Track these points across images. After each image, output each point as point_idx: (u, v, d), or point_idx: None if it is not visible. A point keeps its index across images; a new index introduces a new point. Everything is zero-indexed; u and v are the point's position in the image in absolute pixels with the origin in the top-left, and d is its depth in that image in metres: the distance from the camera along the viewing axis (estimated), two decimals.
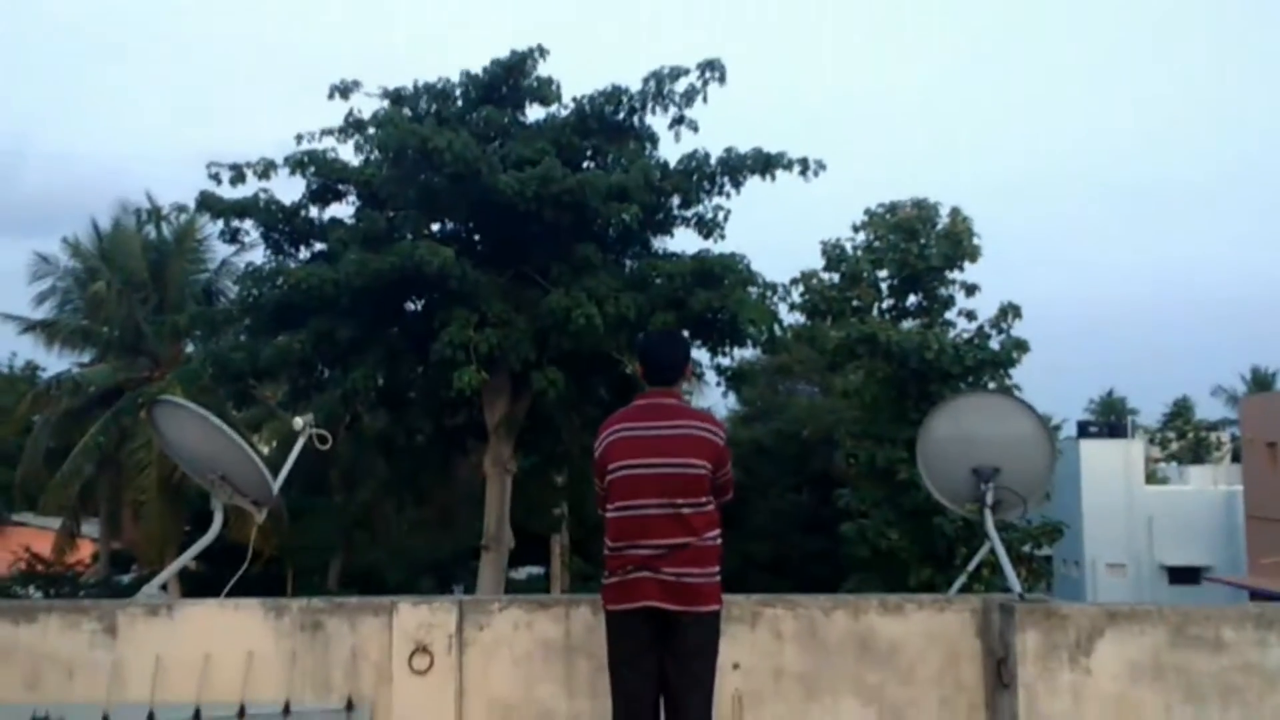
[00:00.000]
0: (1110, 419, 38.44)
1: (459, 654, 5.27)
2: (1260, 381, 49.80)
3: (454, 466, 20.84)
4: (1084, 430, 33.14)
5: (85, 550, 29.10)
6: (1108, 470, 28.18)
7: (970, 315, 24.19)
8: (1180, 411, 51.21)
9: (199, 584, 25.64)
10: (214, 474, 5.59)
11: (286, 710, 5.24)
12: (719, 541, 4.40)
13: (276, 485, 5.75)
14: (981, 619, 5.25)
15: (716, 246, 17.61)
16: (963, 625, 5.26)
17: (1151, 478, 34.11)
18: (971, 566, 6.04)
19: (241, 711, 5.23)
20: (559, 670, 5.30)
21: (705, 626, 4.32)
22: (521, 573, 32.14)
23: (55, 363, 26.56)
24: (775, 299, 17.72)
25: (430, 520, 27.29)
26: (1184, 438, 50.25)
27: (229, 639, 5.37)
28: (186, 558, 6.26)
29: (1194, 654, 4.83)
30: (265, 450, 26.06)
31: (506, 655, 5.33)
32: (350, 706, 5.26)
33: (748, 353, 22.38)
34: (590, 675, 5.23)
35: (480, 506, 18.39)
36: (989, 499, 5.31)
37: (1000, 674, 4.99)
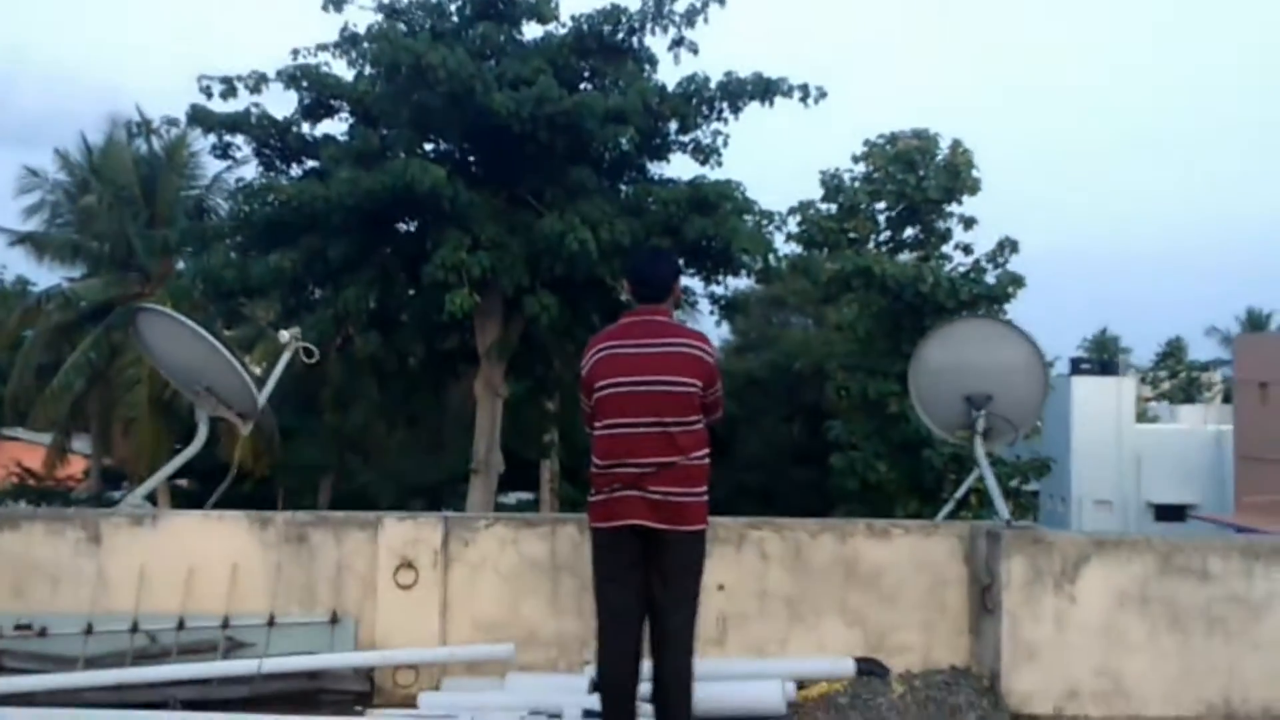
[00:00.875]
0: (1103, 357, 38.49)
1: (444, 570, 5.28)
2: (1255, 322, 49.79)
3: (445, 390, 20.78)
4: (1076, 367, 33.13)
5: (77, 466, 29.16)
6: (1099, 407, 28.19)
7: (967, 249, 24.13)
8: (1173, 351, 51.23)
9: (190, 501, 25.71)
10: (199, 385, 5.53)
11: (271, 622, 5.25)
12: (707, 461, 4.36)
13: (262, 397, 5.70)
14: (968, 545, 5.26)
15: (713, 173, 17.41)
16: (949, 551, 5.26)
17: (1142, 417, 34.21)
18: (961, 493, 6.04)
19: (226, 623, 5.24)
20: (544, 588, 5.31)
21: (691, 545, 4.30)
22: (511, 497, 32.29)
23: (46, 277, 26.40)
24: (771, 228, 17.57)
25: (422, 443, 27.32)
26: (1175, 377, 50.31)
27: (214, 551, 5.36)
28: (171, 468, 6.24)
29: (1180, 584, 4.84)
30: (257, 370, 26.00)
31: (492, 572, 5.33)
32: (335, 619, 5.27)
33: (742, 282, 22.28)
34: (576, 594, 5.24)
35: (471, 431, 18.38)
36: (980, 426, 5.29)
37: (985, 600, 5.01)
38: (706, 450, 4.37)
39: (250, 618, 5.25)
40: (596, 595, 4.37)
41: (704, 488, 4.35)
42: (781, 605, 5.26)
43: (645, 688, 4.30)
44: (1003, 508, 5.14)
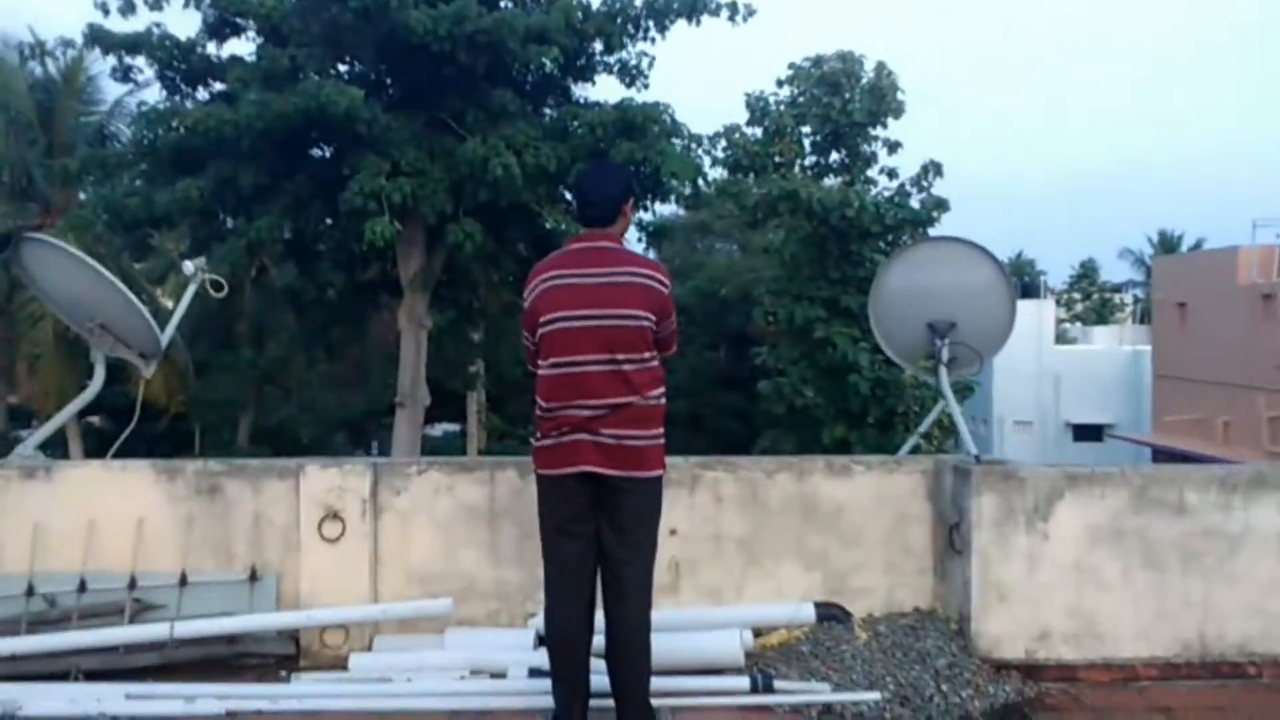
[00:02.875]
0: (1023, 279, 38.80)
1: (374, 520, 4.83)
2: (1167, 244, 50.69)
3: (367, 322, 20.10)
4: None
5: None
6: (1019, 330, 28.20)
7: (892, 174, 23.84)
8: (1086, 273, 51.94)
9: (102, 440, 24.76)
10: (92, 322, 4.95)
11: (183, 581, 4.77)
12: (663, 401, 3.95)
13: (165, 336, 5.14)
14: (932, 481, 4.95)
15: (640, 96, 16.83)
16: (912, 488, 4.95)
17: (1059, 339, 34.62)
18: (924, 427, 5.74)
19: (132, 583, 4.74)
20: (483, 537, 4.90)
21: (647, 492, 3.90)
22: (438, 429, 31.75)
23: None
24: (700, 152, 17.08)
25: (344, 376, 26.62)
26: (1089, 299, 51.09)
27: (117, 504, 4.85)
28: (66, 414, 5.67)
29: (1155, 518, 4.58)
30: (168, 304, 24.91)
31: (425, 521, 4.90)
32: (254, 576, 4.81)
33: (668, 208, 21.82)
34: (517, 542, 4.84)
35: (396, 363, 17.79)
36: (944, 355, 4.95)
37: (953, 539, 4.71)
38: (663, 389, 3.97)
39: (160, 577, 4.76)
40: (544, 548, 3.96)
41: (660, 430, 3.96)
42: (736, 548, 4.92)
43: (598, 641, 3.93)
44: (969, 442, 4.82)
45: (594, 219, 4.00)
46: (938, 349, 4.93)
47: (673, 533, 4.83)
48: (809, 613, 4.77)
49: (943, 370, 4.93)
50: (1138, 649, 4.55)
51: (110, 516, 4.82)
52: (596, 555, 3.91)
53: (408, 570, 4.86)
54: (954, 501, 4.71)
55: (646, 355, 3.90)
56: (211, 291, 5.49)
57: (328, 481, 4.79)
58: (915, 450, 5.43)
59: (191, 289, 5.43)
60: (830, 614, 4.81)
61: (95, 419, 27.53)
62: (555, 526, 3.91)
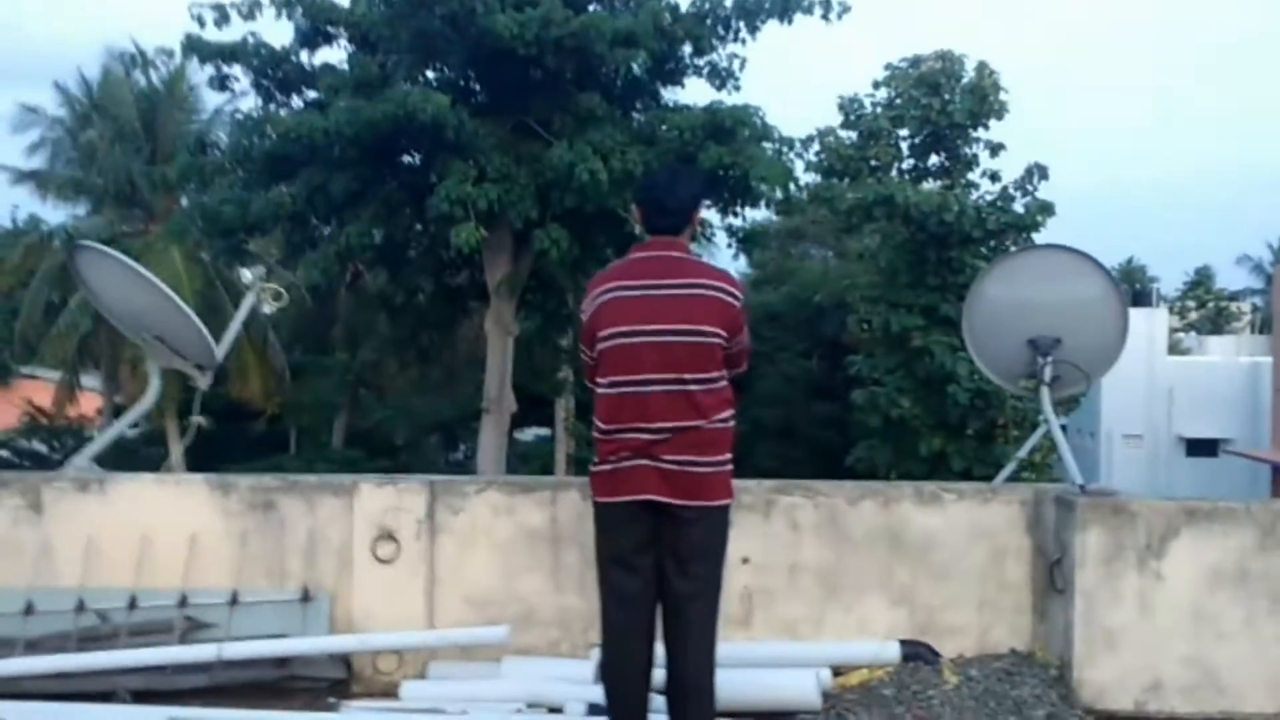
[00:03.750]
0: (1135, 287, 37.32)
1: (430, 541, 4.58)
2: None
3: (457, 326, 20.10)
4: None
5: (90, 404, 28.69)
6: (1130, 339, 26.90)
7: (994, 176, 23.10)
8: (1201, 280, 49.73)
9: (203, 442, 25.22)
10: (148, 334, 4.81)
11: (234, 600, 4.58)
12: (731, 424, 3.63)
13: (222, 348, 4.98)
14: (1032, 512, 4.52)
15: (730, 99, 16.49)
16: (1010, 519, 4.53)
17: (1173, 348, 33.06)
18: (1024, 452, 5.26)
19: (183, 601, 4.57)
20: (544, 561, 4.62)
21: (712, 522, 3.58)
22: (528, 434, 31.76)
23: (54, 215, 25.61)
24: (791, 156, 16.66)
25: (435, 379, 26.75)
26: (1204, 307, 48.86)
27: (170, 519, 4.68)
28: (121, 426, 5.55)
29: None
30: (267, 310, 25.27)
31: (484, 543, 4.64)
32: (307, 597, 4.60)
33: (759, 213, 21.39)
34: (579, 568, 4.55)
35: (483, 368, 17.72)
36: (1047, 375, 4.52)
37: (1054, 577, 4.28)
38: (731, 411, 3.64)
39: (211, 595, 4.58)
40: (601, 582, 3.66)
41: (728, 455, 3.63)
42: (815, 581, 4.56)
43: (659, 675, 3.62)
44: (1075, 470, 4.39)
45: (662, 226, 3.70)
46: (1040, 368, 4.51)
47: (745, 561, 4.50)
48: (893, 651, 4.39)
49: (1045, 391, 4.51)
50: (1262, 703, 4.08)
51: (163, 531, 4.66)
52: (657, 589, 3.60)
53: (465, 594, 4.61)
54: (1056, 535, 4.29)
55: (714, 375, 3.58)
56: (269, 303, 5.31)
57: (383, 500, 4.56)
58: (1015, 476, 4.99)
59: (250, 298, 5.27)
60: (917, 654, 4.42)
61: (200, 419, 28.10)
62: (613, 557, 3.61)
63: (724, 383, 3.63)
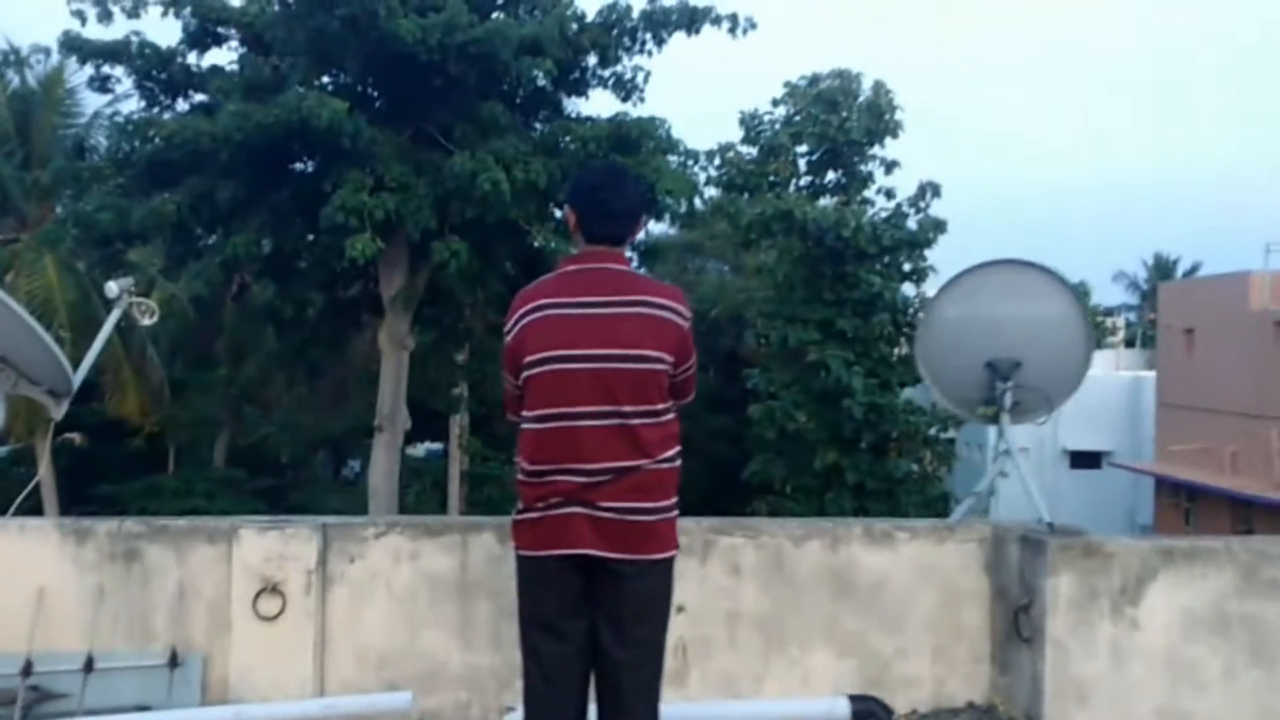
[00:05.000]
0: None
1: (321, 594, 3.95)
2: (1162, 268, 49.93)
3: (348, 341, 19.16)
4: None
5: None
6: None
7: (889, 193, 23.10)
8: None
9: (78, 461, 23.70)
10: None
11: (89, 666, 3.87)
12: (678, 463, 3.10)
13: (80, 373, 4.26)
14: (990, 552, 4.09)
15: (635, 111, 16.01)
16: (965, 559, 4.10)
17: None
18: (982, 486, 4.79)
19: (28, 668, 3.85)
20: (451, 614, 4.03)
21: (656, 579, 3.05)
22: (420, 449, 30.77)
23: None
24: (695, 169, 16.26)
25: (325, 395, 25.66)
26: None
27: (13, 571, 3.98)
28: None
29: (1267, 603, 3.73)
30: (147, 322, 23.87)
31: (383, 594, 4.03)
32: (175, 660, 3.92)
33: (659, 227, 21.01)
34: (492, 620, 3.98)
35: (376, 383, 16.86)
36: (1007, 401, 4.10)
37: (1019, 624, 3.85)
38: (678, 448, 3.12)
39: (61, 660, 3.87)
40: (523, 647, 3.10)
41: (674, 499, 3.11)
42: (757, 630, 4.06)
43: None
44: (1043, 507, 3.96)
45: (602, 235, 3.14)
46: (999, 393, 4.08)
47: (680, 610, 3.96)
48: (843, 709, 3.88)
49: (1005, 419, 4.09)
50: None
51: (5, 585, 3.93)
52: (590, 657, 3.05)
53: (361, 653, 3.98)
54: (1022, 579, 3.86)
55: (659, 406, 3.05)
56: (145, 317, 4.60)
57: (266, 548, 3.91)
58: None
59: (115, 313, 4.55)
60: (868, 710, 3.92)
61: (75, 436, 26.50)
62: (539, 622, 3.05)
63: (670, 415, 3.12)
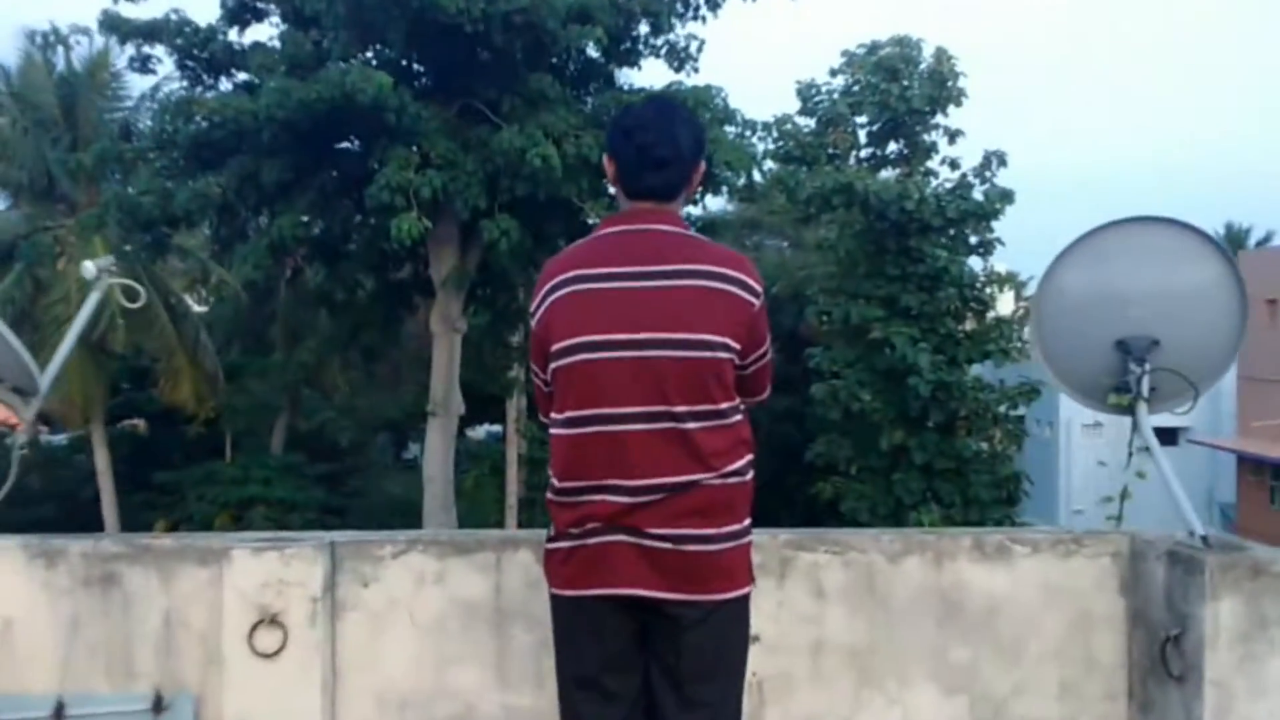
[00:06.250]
0: None
1: (330, 624, 3.34)
2: (1234, 238, 48.02)
3: (401, 324, 18.73)
4: None
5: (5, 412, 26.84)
6: None
7: (953, 164, 22.06)
8: None
9: (138, 448, 23.59)
10: None
11: (60, 711, 3.30)
12: (749, 477, 2.44)
13: (51, 371, 3.67)
14: (1127, 568, 3.37)
15: (689, 81, 15.29)
16: (1098, 577, 3.38)
17: None
18: (1121, 494, 4.05)
19: None
20: (485, 646, 3.39)
21: (726, 624, 2.41)
22: (480, 431, 30.40)
23: None
24: (754, 140, 15.51)
25: (383, 378, 25.34)
26: None
27: None
28: None
29: None
30: (202, 310, 23.72)
31: (404, 624, 3.40)
32: (160, 704, 3.33)
33: (717, 202, 20.28)
34: (533, 654, 3.34)
35: (429, 367, 16.38)
36: (1145, 388, 3.36)
37: (1167, 659, 3.12)
38: (749, 458, 2.45)
39: (29, 704, 3.31)
40: (562, 708, 2.46)
41: (746, 522, 2.45)
42: (846, 663, 3.38)
43: None
44: (1193, 516, 3.23)
45: (652, 188, 2.47)
46: (1134, 378, 3.34)
47: (755, 639, 3.29)
48: None
49: (1143, 409, 3.35)
50: None
51: None
52: (645, 717, 2.41)
53: (379, 693, 3.37)
54: (1170, 603, 3.14)
55: (722, 406, 2.38)
56: (124, 301, 4.02)
57: (264, 571, 3.30)
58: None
59: (95, 296, 3.96)
60: None
61: (138, 423, 26.42)
62: (580, 677, 2.41)
63: (737, 417, 2.45)
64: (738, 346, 2.40)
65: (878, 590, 3.38)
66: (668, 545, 2.32)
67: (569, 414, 2.38)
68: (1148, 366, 3.35)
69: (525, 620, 3.35)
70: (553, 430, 2.45)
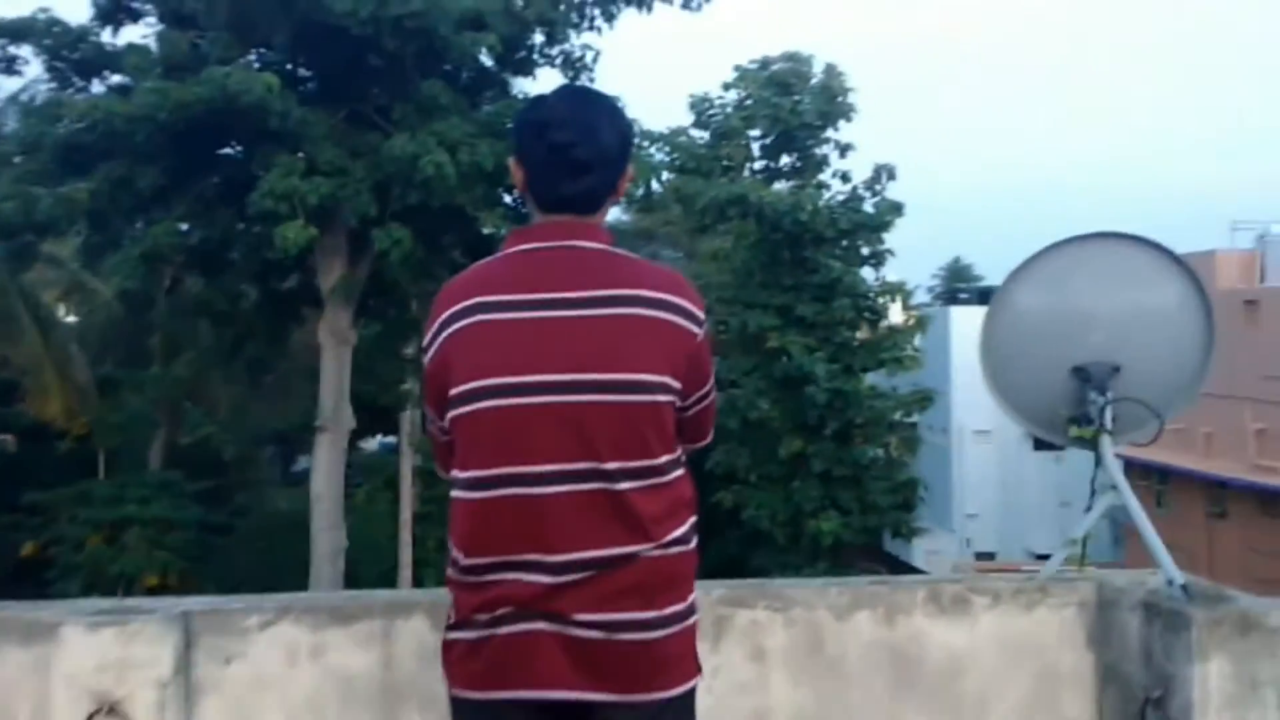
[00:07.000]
0: (954, 285, 37.30)
1: (183, 713, 2.76)
2: None
3: (288, 335, 17.79)
4: (954, 297, 31.52)
5: None
6: (975, 336, 26.20)
7: (844, 176, 22.08)
8: None
9: (6, 465, 22.03)
10: None
11: None
12: (693, 545, 1.98)
13: None
14: (1094, 618, 3.01)
15: None
16: (1063, 629, 3.02)
17: None
18: (1083, 529, 3.62)
19: None
20: None
21: None
22: (372, 443, 29.34)
23: None
24: (651, 151, 15.13)
25: (271, 390, 24.16)
26: None
27: None
28: None
29: None
30: (74, 321, 22.32)
31: (274, 708, 2.85)
32: None
33: (612, 213, 19.88)
34: None
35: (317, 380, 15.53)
36: (1107, 418, 3.01)
37: None
38: (692, 520, 1.99)
39: None
40: None
41: (689, 600, 1.98)
42: None
43: None
44: (1168, 562, 2.88)
45: (572, 197, 1.99)
46: (1095, 408, 2.99)
47: None
48: None
49: (1106, 442, 3.00)
50: None
51: None
52: None
53: None
54: (1149, 661, 2.78)
55: (662, 460, 1.92)
56: None
57: (101, 651, 2.71)
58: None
59: None
60: None
61: (7, 438, 24.74)
62: None
63: (678, 472, 1.98)
64: (678, 386, 1.94)
65: (825, 651, 2.95)
66: (598, 634, 1.85)
67: (473, 473, 1.89)
68: (1110, 395, 3.01)
69: (420, 700, 2.83)
70: (454, 493, 1.95)
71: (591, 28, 14.99)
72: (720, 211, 21.10)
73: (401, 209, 13.45)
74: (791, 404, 20.44)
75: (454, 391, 1.89)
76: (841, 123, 22.29)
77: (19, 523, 19.94)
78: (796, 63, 22.58)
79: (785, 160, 22.79)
